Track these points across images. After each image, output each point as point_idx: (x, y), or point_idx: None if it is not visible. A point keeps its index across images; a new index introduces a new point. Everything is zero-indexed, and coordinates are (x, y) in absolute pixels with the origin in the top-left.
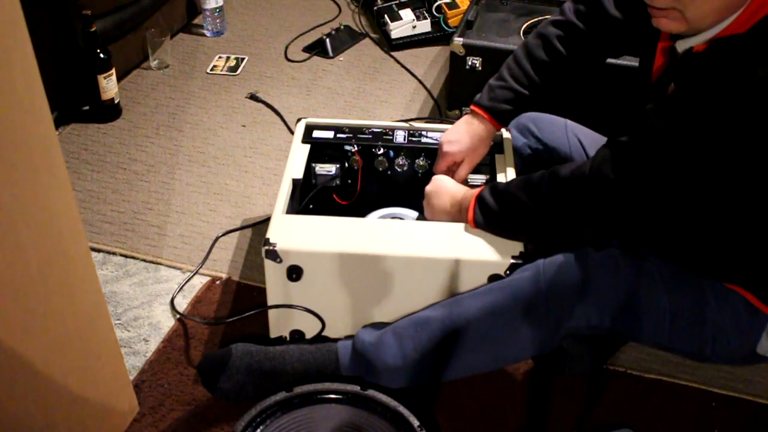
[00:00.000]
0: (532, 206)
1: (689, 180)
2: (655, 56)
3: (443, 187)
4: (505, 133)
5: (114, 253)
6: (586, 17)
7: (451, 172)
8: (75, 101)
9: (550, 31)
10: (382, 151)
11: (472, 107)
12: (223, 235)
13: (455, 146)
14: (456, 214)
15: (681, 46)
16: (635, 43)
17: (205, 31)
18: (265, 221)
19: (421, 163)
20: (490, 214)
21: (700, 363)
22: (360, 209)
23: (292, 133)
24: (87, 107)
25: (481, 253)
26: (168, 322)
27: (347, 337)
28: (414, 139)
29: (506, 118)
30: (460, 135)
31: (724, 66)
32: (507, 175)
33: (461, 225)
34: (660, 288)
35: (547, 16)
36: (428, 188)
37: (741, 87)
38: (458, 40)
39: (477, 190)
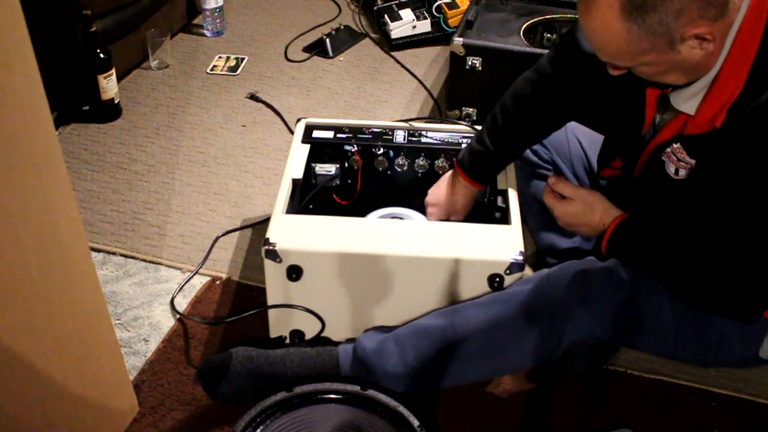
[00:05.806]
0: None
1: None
2: (646, 104)
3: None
4: None
5: (114, 253)
6: (559, 61)
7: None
8: (75, 101)
9: (522, 86)
10: (382, 151)
11: (456, 166)
12: (223, 235)
13: (437, 212)
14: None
15: (676, 101)
16: (617, 86)
17: (205, 31)
18: (265, 221)
19: (421, 162)
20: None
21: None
22: (360, 209)
23: (292, 133)
24: (87, 107)
25: (481, 253)
26: (168, 322)
27: (348, 341)
28: (414, 139)
29: (488, 179)
30: (440, 199)
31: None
32: (507, 174)
33: (461, 225)
34: (663, 299)
35: (547, 16)
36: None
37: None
38: (458, 40)
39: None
